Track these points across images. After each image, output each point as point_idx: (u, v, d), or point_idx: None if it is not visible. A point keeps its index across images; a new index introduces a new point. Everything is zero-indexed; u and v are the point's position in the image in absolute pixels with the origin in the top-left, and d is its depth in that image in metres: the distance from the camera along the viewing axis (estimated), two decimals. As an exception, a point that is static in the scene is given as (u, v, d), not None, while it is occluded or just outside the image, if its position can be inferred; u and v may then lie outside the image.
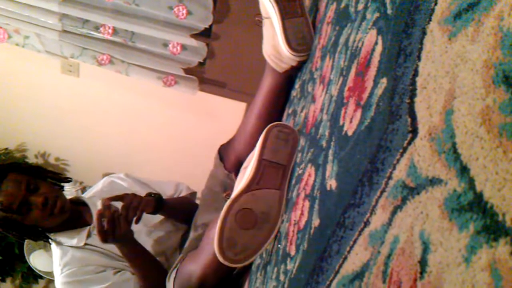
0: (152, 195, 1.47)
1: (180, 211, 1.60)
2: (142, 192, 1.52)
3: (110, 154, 3.02)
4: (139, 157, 2.97)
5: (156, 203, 1.45)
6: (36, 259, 2.77)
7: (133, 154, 2.99)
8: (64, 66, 2.75)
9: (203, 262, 1.22)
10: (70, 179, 1.65)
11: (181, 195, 1.69)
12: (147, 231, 1.57)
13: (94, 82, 2.82)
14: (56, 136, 2.97)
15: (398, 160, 0.44)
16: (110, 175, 1.78)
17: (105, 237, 1.29)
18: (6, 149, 2.93)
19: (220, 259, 1.00)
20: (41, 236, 1.53)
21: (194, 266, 1.26)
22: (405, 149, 0.43)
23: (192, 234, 1.46)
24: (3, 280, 3.09)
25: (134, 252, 1.41)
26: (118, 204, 1.35)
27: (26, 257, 2.79)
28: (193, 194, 1.74)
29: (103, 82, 2.81)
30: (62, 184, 1.60)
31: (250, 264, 1.20)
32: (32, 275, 3.07)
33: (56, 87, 2.88)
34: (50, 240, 1.55)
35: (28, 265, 2.84)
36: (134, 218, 1.34)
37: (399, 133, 0.46)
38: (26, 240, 2.80)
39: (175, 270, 1.33)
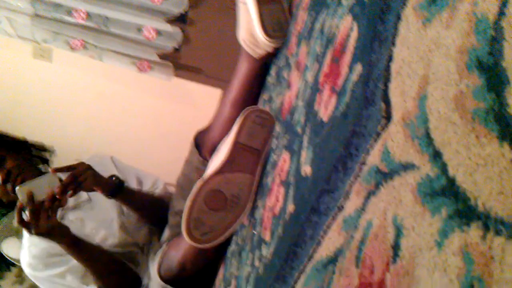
0: (114, 178, 1.41)
1: (145, 206, 1.54)
2: (120, 175, 1.50)
3: (84, 141, 2.97)
4: (114, 143, 2.93)
5: (112, 187, 1.37)
6: (8, 247, 2.73)
7: (108, 140, 2.95)
8: (36, 51, 2.70)
9: (183, 248, 1.22)
10: (53, 149, 1.60)
11: (156, 191, 1.64)
12: (117, 220, 1.54)
13: (68, 67, 2.77)
14: (28, 123, 2.91)
15: (372, 146, 0.44)
16: (97, 154, 1.74)
17: (28, 230, 1.21)
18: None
19: (186, 238, 1.01)
20: (10, 208, 1.50)
21: (175, 251, 1.26)
22: (379, 135, 0.44)
23: (170, 221, 1.46)
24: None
25: (73, 249, 1.33)
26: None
27: (-1, 243, 2.75)
28: (168, 194, 1.66)
29: (76, 68, 2.76)
30: (43, 156, 1.56)
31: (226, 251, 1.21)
32: (4, 263, 3.02)
33: (29, 73, 2.83)
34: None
35: (0, 253, 2.79)
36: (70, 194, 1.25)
37: (373, 118, 0.46)
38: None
39: (158, 258, 1.32)
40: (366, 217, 0.41)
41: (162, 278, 1.30)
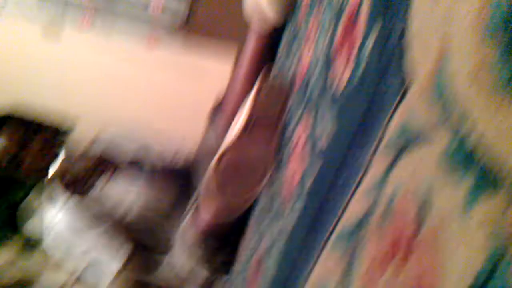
0: (135, 161, 1.45)
1: (170, 179, 1.59)
2: (140, 151, 1.54)
3: (99, 121, 2.99)
4: (127, 121, 2.94)
5: (137, 171, 1.42)
6: (32, 227, 2.77)
7: (122, 118, 2.97)
8: (45, 31, 2.70)
9: (207, 216, 1.25)
10: (70, 130, 1.64)
11: (179, 161, 1.68)
12: (138, 189, 1.57)
13: (76, 47, 2.77)
14: (42, 105, 2.93)
15: (390, 118, 0.45)
16: (116, 132, 1.77)
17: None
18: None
19: (209, 208, 1.04)
20: (40, 186, 1.55)
21: (199, 219, 1.30)
22: (396, 107, 0.44)
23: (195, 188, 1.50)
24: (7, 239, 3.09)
25: (96, 221, 1.41)
26: None
27: (21, 224, 2.80)
28: (191, 162, 1.70)
29: (86, 46, 2.76)
30: (61, 138, 1.60)
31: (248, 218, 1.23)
32: (29, 243, 3.08)
33: (38, 54, 2.83)
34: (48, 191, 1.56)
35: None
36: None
37: (390, 90, 0.46)
38: (20, 207, 2.81)
39: (187, 219, 1.37)
40: (387, 190, 0.42)
41: (198, 232, 1.34)
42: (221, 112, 1.43)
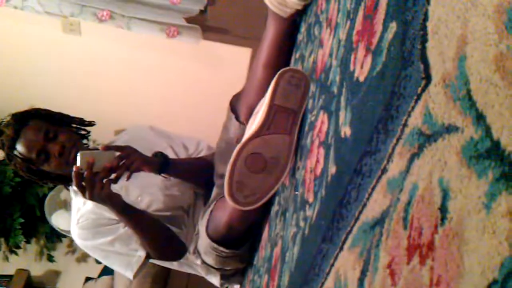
0: (158, 155, 1.46)
1: (192, 173, 1.59)
2: (163, 146, 1.55)
3: (119, 111, 3.02)
4: (149, 112, 2.97)
5: (159, 165, 1.43)
6: (58, 219, 2.83)
7: (142, 109, 2.99)
8: (65, 26, 2.72)
9: (228, 210, 1.26)
10: (94, 123, 1.66)
11: (201, 154, 1.69)
12: (161, 186, 1.58)
13: (97, 39, 2.79)
14: (63, 98, 2.96)
15: (413, 107, 0.44)
16: (135, 126, 1.79)
17: (84, 195, 1.29)
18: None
19: (230, 202, 1.04)
20: (62, 181, 1.57)
21: (221, 212, 1.31)
22: (419, 96, 0.44)
23: (217, 182, 1.51)
24: (28, 242, 3.17)
25: (123, 216, 1.41)
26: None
27: (47, 218, 2.86)
28: (213, 155, 1.71)
29: (106, 39, 2.78)
30: (86, 130, 1.62)
31: (270, 211, 1.23)
32: (56, 235, 3.14)
33: (59, 48, 2.86)
34: (70, 187, 1.59)
35: (50, 226, 2.91)
36: (126, 175, 1.32)
37: (412, 79, 0.46)
38: (46, 201, 2.87)
39: (206, 218, 1.37)
40: (411, 180, 0.42)
41: (210, 237, 1.35)
42: (242, 100, 1.43)
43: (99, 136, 3.01)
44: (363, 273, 0.49)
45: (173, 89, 2.96)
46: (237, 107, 1.44)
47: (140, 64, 2.88)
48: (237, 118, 1.42)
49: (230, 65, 2.77)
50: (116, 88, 2.99)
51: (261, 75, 1.33)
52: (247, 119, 1.27)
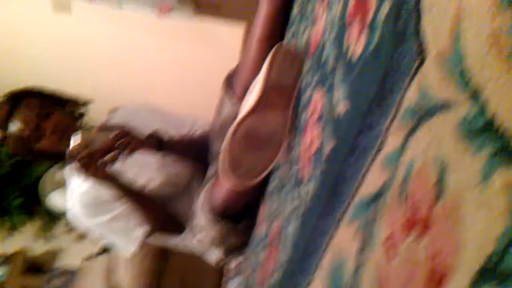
0: (154, 135, 1.46)
1: (188, 152, 1.60)
2: (158, 124, 1.55)
3: (112, 92, 3.00)
4: (142, 91, 2.96)
5: (155, 144, 1.44)
6: (55, 199, 2.83)
7: (136, 88, 2.98)
8: (55, 5, 2.69)
9: (225, 187, 1.27)
10: (89, 101, 1.66)
11: (197, 132, 1.69)
12: (157, 164, 1.59)
13: (88, 19, 2.77)
14: (55, 78, 2.95)
15: (408, 84, 0.45)
16: (130, 104, 1.79)
17: (81, 175, 1.32)
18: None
19: (226, 179, 1.04)
20: (57, 160, 1.58)
21: (219, 190, 1.32)
22: (414, 73, 0.44)
23: (212, 161, 1.52)
24: (27, 221, 3.18)
25: (121, 194, 1.45)
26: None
27: (44, 198, 2.86)
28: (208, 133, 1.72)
29: (97, 18, 2.75)
30: (81, 109, 1.63)
31: (267, 187, 1.24)
32: (53, 214, 3.15)
33: (49, 27, 2.83)
34: (66, 167, 1.60)
35: (48, 205, 2.91)
36: (123, 155, 1.34)
37: (407, 56, 0.46)
38: (42, 181, 2.86)
39: (204, 196, 1.38)
40: (407, 156, 0.42)
41: (208, 214, 1.36)
42: (237, 77, 1.43)
43: (92, 115, 3.01)
44: (361, 248, 0.50)
45: (166, 68, 2.95)
46: (232, 84, 1.44)
47: (132, 43, 2.86)
48: (232, 95, 1.42)
49: (223, 42, 2.75)
50: (109, 67, 2.98)
51: (255, 51, 1.33)
52: (242, 96, 1.27)
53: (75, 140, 1.27)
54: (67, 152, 1.28)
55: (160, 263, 2.71)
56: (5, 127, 1.47)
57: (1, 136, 1.52)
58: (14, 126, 1.45)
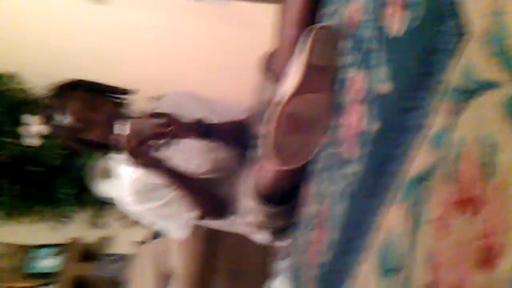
0: (200, 121, 1.49)
1: (234, 136, 1.62)
2: (203, 111, 1.58)
3: (153, 80, 3.04)
4: (182, 79, 2.98)
5: (202, 131, 1.47)
6: (105, 187, 2.90)
7: (176, 77, 3.00)
8: (90, -5, 2.72)
9: (271, 170, 1.28)
10: (135, 91, 1.70)
11: (242, 116, 1.70)
12: (205, 150, 1.62)
13: (124, 7, 2.80)
14: (94, 70, 2.99)
15: (451, 63, 0.45)
16: (175, 92, 1.82)
17: (131, 162, 1.36)
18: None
19: (272, 163, 1.06)
20: (106, 150, 1.63)
21: (265, 172, 1.33)
22: (458, 52, 0.44)
23: (256, 145, 1.53)
24: (78, 211, 3.27)
25: (170, 180, 1.49)
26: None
27: (93, 187, 2.93)
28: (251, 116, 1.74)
29: (133, 6, 2.78)
30: (127, 99, 1.67)
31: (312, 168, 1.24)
32: (104, 202, 3.23)
33: (84, 19, 2.87)
34: (114, 156, 1.64)
35: (98, 194, 2.99)
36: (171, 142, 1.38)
37: (449, 35, 0.46)
38: (90, 171, 2.94)
39: (251, 179, 1.41)
40: (456, 135, 0.43)
41: (256, 197, 1.38)
42: (273, 60, 1.43)
43: (135, 104, 3.06)
44: (413, 227, 0.51)
45: (205, 54, 2.96)
46: (269, 67, 1.44)
47: (169, 31, 2.88)
48: (272, 79, 1.42)
49: (257, 24, 2.74)
50: (147, 56, 3.01)
51: (290, 33, 1.32)
52: (280, 78, 1.27)
53: (124, 130, 1.30)
54: (116, 141, 1.32)
55: (211, 246, 2.75)
56: (55, 120, 1.52)
57: (52, 129, 1.56)
58: (64, 119, 1.50)
